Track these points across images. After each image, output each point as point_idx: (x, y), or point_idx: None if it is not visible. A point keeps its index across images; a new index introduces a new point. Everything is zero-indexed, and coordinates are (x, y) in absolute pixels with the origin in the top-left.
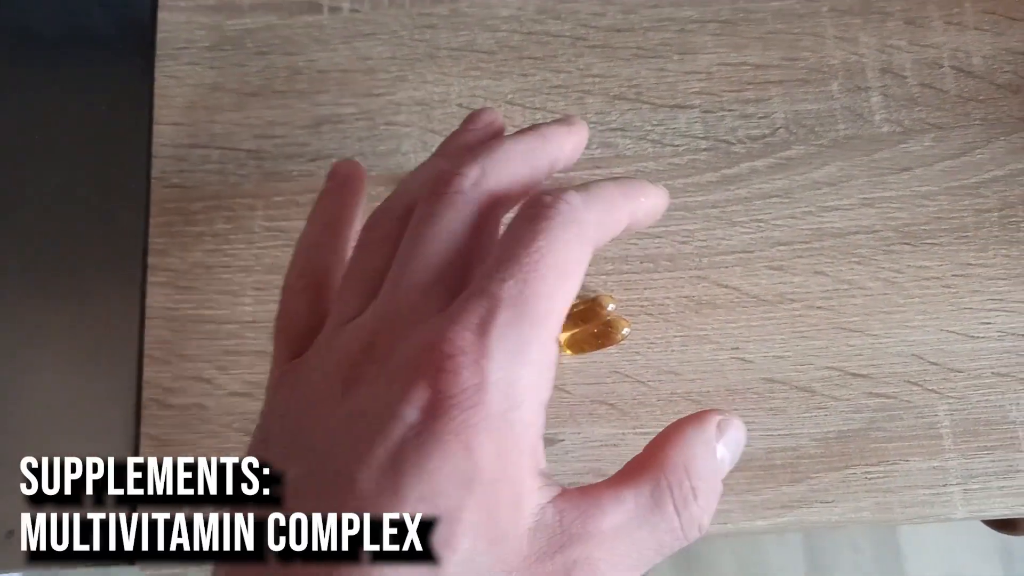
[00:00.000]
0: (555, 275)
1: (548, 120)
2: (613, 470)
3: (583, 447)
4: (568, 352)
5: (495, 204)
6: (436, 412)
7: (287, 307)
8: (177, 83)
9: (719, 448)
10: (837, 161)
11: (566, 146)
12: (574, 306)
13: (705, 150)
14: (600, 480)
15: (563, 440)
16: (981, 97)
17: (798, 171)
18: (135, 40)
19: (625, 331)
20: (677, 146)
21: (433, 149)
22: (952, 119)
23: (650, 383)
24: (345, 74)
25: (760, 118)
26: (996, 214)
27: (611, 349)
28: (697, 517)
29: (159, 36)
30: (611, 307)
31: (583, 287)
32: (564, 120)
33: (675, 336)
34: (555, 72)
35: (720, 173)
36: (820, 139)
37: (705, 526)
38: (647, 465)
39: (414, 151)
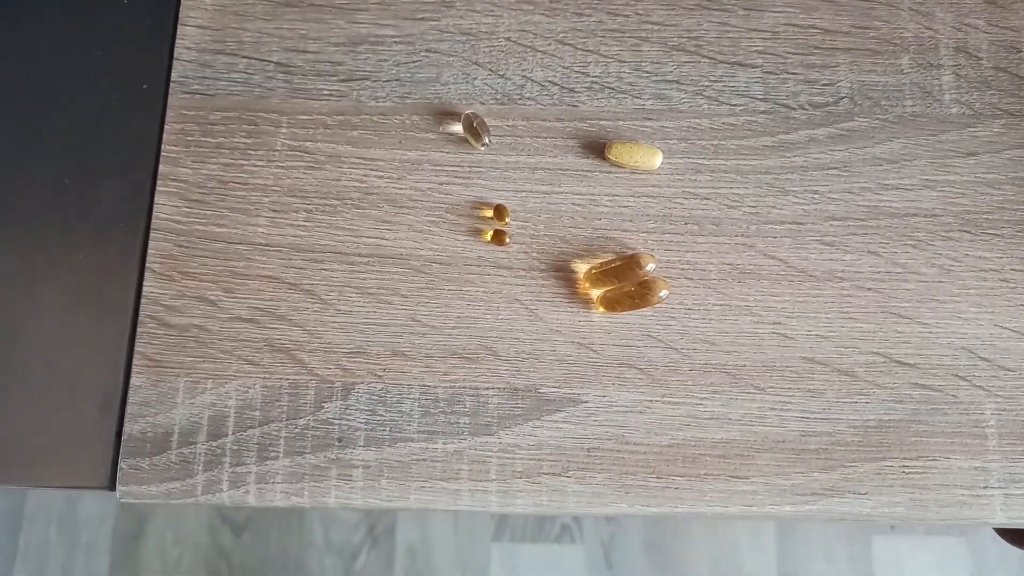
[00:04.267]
0: None
1: (598, 65)
2: (637, 438)
3: (607, 411)
4: (601, 309)
5: None
6: None
7: None
8: None
9: None
10: (901, 138)
11: None
12: (611, 262)
13: (763, 113)
14: (623, 447)
15: (586, 402)
16: None
17: (859, 144)
18: None
19: (663, 293)
20: (734, 105)
21: (476, 83)
22: None
23: (683, 350)
24: None
25: (824, 85)
26: None
27: (645, 311)
28: None
29: None
30: (650, 267)
31: (622, 244)
32: None
33: (714, 304)
34: (612, 15)
35: (777, 138)
36: (885, 114)
37: None
38: None
39: (455, 82)
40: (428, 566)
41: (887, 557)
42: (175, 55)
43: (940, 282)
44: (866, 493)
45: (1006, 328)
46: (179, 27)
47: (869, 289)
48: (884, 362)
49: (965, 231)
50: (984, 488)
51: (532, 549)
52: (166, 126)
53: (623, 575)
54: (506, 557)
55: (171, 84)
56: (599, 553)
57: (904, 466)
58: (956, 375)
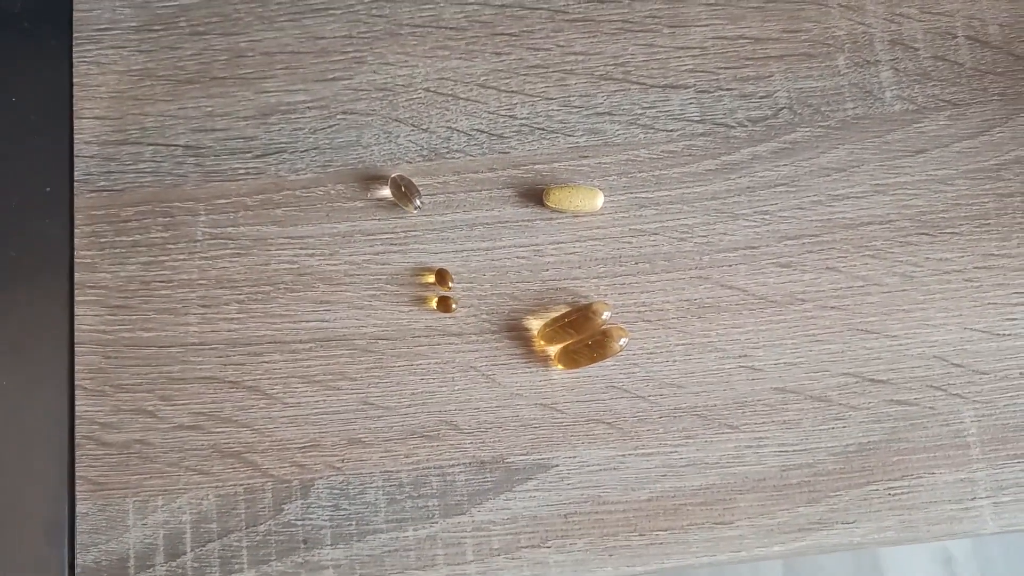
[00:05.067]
0: None
1: (525, 106)
2: (614, 496)
3: (580, 472)
4: (560, 366)
5: None
6: None
7: None
8: (100, 70)
9: None
10: (846, 144)
11: None
12: (564, 315)
13: (702, 135)
14: (601, 508)
15: (557, 465)
16: (999, 70)
17: (804, 156)
18: (49, 21)
19: (622, 341)
20: (671, 131)
21: (399, 141)
22: (968, 95)
23: (651, 398)
24: (294, 56)
25: (761, 97)
26: (1019, 198)
27: (607, 362)
28: None
29: (76, 15)
30: (606, 315)
31: (574, 294)
32: None
33: (676, 344)
34: (532, 50)
35: (719, 160)
36: (827, 120)
37: None
38: None
39: (377, 143)
40: None
41: None
42: (75, 151)
43: (904, 290)
44: (854, 522)
45: (975, 330)
46: (75, 121)
47: (832, 307)
48: (857, 382)
49: (923, 233)
50: (972, 500)
51: None
52: (76, 229)
53: None
54: None
55: (75, 183)
56: None
57: (889, 488)
58: (931, 386)
